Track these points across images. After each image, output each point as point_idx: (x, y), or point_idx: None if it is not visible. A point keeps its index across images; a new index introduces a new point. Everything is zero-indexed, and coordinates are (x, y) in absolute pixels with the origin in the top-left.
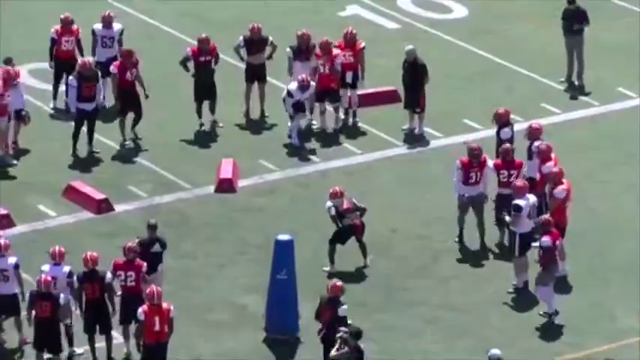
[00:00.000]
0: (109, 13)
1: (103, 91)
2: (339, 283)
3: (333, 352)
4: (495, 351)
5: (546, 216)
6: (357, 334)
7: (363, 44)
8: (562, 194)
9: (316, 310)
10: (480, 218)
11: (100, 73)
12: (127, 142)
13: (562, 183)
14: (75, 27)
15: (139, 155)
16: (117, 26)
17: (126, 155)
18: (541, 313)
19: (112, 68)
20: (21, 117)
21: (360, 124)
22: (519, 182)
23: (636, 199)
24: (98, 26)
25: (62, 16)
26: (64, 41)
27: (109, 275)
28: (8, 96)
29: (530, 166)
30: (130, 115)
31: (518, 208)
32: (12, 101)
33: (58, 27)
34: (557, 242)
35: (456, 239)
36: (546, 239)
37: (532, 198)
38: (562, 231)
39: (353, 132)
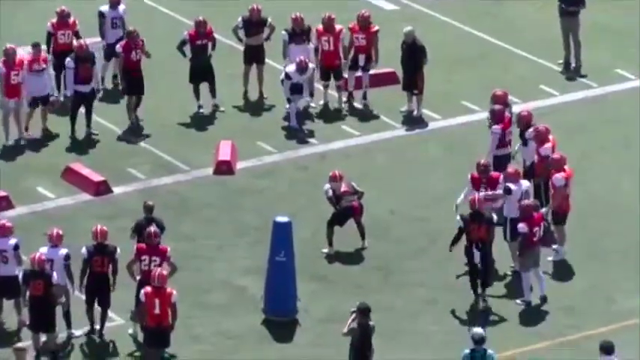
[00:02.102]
0: None
1: (103, 73)
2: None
3: (345, 330)
4: (477, 330)
5: (526, 202)
6: (364, 311)
7: (376, 28)
8: (560, 182)
9: (455, 235)
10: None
11: (95, 55)
12: (133, 124)
13: (563, 170)
14: (71, 20)
15: (137, 137)
16: (122, 7)
17: (124, 137)
18: (518, 301)
19: (118, 47)
20: (49, 102)
21: (357, 105)
22: (510, 168)
23: (635, 180)
24: (105, 8)
25: (58, 10)
26: (59, 34)
27: (118, 251)
28: (16, 74)
29: (526, 151)
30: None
31: (509, 191)
32: (36, 86)
33: (54, 20)
34: (536, 229)
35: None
36: (522, 225)
37: (525, 184)
38: (564, 217)
39: (351, 114)
